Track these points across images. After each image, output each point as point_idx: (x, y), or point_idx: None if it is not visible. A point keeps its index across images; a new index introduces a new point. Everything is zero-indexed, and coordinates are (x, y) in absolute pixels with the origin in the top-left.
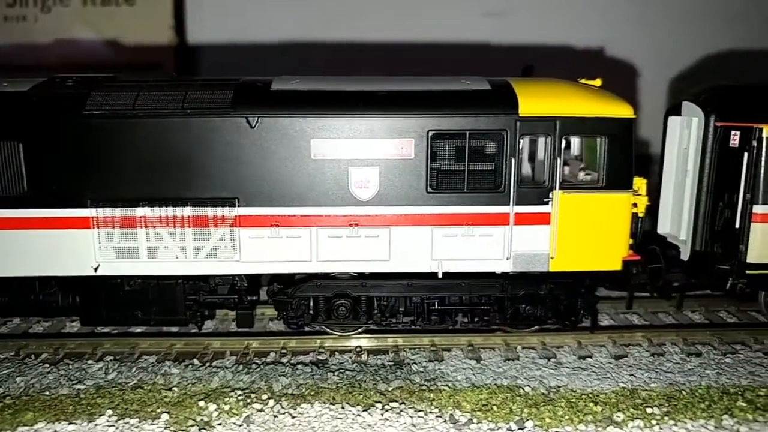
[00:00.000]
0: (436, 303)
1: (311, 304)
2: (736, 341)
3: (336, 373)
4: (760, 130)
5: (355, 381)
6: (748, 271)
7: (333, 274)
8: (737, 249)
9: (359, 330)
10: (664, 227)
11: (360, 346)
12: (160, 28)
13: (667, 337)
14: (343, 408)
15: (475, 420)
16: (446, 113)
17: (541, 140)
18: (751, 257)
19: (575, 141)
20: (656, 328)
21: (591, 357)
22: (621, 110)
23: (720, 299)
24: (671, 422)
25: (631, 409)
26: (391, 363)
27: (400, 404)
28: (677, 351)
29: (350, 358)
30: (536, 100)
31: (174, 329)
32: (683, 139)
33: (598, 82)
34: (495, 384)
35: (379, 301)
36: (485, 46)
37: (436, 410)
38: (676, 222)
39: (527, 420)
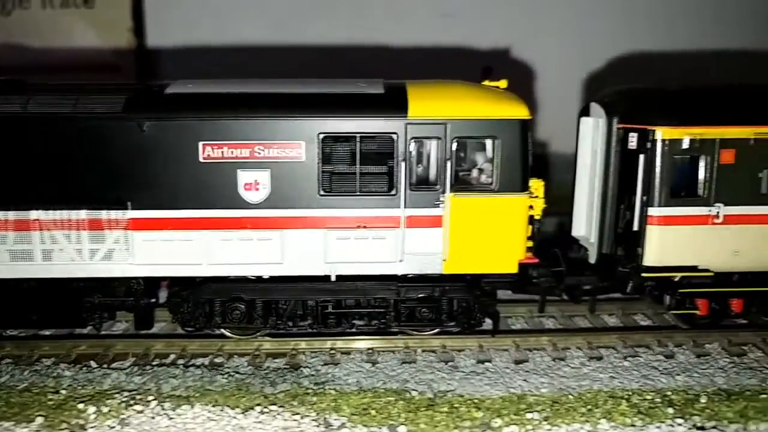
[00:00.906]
0: (330, 306)
1: (207, 307)
2: (641, 344)
3: (226, 376)
4: (654, 132)
5: (243, 384)
6: (644, 274)
7: (230, 277)
8: (636, 252)
9: (259, 333)
10: (578, 230)
11: (258, 349)
12: (119, 30)
13: (573, 340)
14: (222, 410)
15: (349, 424)
16: (336, 116)
17: (431, 143)
18: (648, 260)
19: (467, 143)
20: (563, 332)
21: (490, 361)
22: (514, 112)
23: (639, 302)
24: (548, 427)
25: (512, 415)
26: (286, 366)
27: (280, 407)
28: (580, 355)
29: (246, 361)
30: (426, 103)
31: (84, 331)
32: (594, 141)
33: (503, 84)
34: (383, 388)
35: (277, 304)
36: (446, 47)
37: (314, 414)
38: (589, 224)
39: (401, 425)
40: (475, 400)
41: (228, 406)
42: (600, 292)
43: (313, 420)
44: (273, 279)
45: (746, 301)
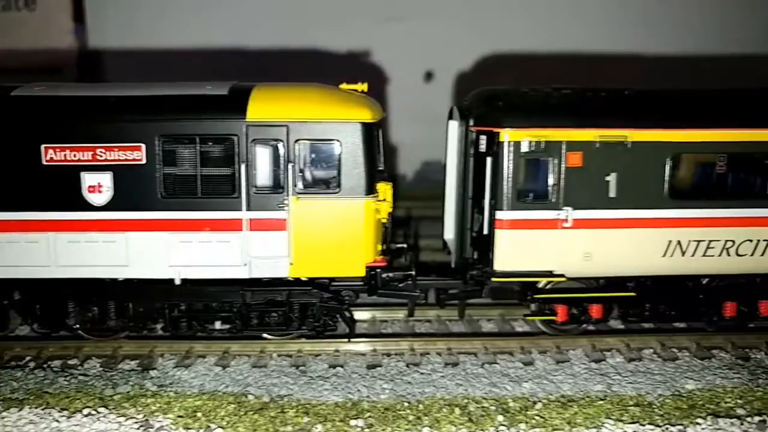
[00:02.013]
0: (177, 310)
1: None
2: (504, 351)
3: (69, 378)
4: (500, 134)
5: (85, 386)
6: (494, 280)
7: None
8: (488, 256)
9: (119, 335)
10: (448, 233)
11: (116, 351)
12: (61, 32)
13: (434, 345)
14: (49, 414)
15: (171, 427)
16: (174, 118)
17: (272, 145)
18: (499, 264)
19: (310, 146)
20: (427, 337)
21: (342, 366)
22: (356, 114)
23: (523, 308)
24: None
25: (337, 422)
26: (139, 368)
27: (109, 410)
28: (437, 361)
29: (99, 362)
30: (266, 105)
31: None
32: (457, 144)
33: (361, 87)
34: (223, 391)
35: (133, 307)
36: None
37: (141, 416)
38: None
39: (218, 428)
40: (308, 405)
41: (56, 408)
42: (467, 297)
43: (136, 422)
44: (127, 281)
45: (605, 307)
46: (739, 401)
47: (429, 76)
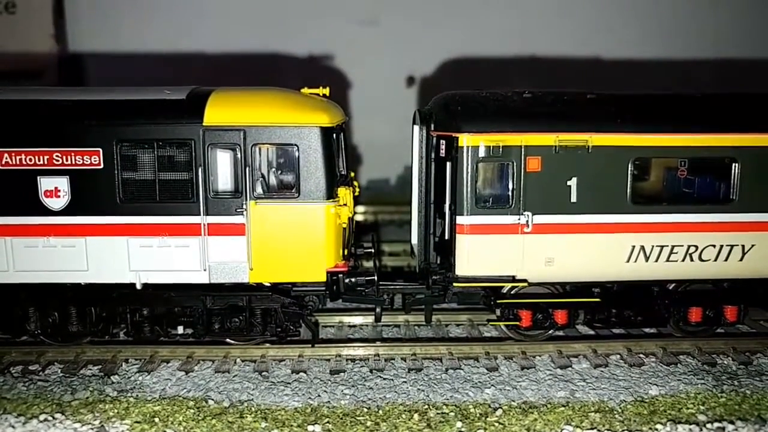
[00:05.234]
0: (138, 315)
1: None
2: (469, 356)
3: (27, 384)
4: (458, 139)
5: (44, 391)
6: (456, 284)
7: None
8: (450, 261)
9: (82, 341)
10: (414, 238)
11: (78, 356)
12: (41, 36)
13: (399, 351)
14: (6, 420)
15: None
16: (132, 123)
17: (230, 150)
18: (460, 270)
19: (267, 150)
20: (391, 342)
21: (305, 372)
22: (314, 119)
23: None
24: None
25: (295, 427)
26: (101, 373)
27: (66, 415)
28: (401, 366)
29: (60, 368)
30: (223, 110)
31: None
32: (419, 149)
33: (322, 91)
34: (183, 396)
35: (97, 312)
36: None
37: (97, 422)
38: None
39: None
40: (267, 411)
41: (13, 414)
42: (432, 302)
43: (91, 428)
44: (88, 286)
45: (571, 313)
46: (701, 407)
47: (411, 80)
